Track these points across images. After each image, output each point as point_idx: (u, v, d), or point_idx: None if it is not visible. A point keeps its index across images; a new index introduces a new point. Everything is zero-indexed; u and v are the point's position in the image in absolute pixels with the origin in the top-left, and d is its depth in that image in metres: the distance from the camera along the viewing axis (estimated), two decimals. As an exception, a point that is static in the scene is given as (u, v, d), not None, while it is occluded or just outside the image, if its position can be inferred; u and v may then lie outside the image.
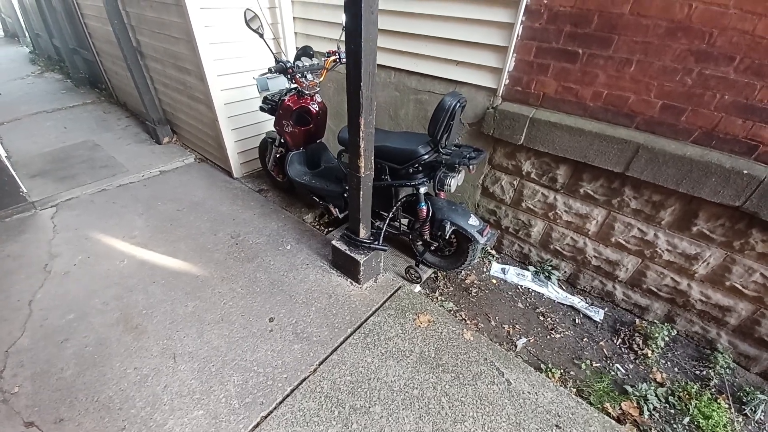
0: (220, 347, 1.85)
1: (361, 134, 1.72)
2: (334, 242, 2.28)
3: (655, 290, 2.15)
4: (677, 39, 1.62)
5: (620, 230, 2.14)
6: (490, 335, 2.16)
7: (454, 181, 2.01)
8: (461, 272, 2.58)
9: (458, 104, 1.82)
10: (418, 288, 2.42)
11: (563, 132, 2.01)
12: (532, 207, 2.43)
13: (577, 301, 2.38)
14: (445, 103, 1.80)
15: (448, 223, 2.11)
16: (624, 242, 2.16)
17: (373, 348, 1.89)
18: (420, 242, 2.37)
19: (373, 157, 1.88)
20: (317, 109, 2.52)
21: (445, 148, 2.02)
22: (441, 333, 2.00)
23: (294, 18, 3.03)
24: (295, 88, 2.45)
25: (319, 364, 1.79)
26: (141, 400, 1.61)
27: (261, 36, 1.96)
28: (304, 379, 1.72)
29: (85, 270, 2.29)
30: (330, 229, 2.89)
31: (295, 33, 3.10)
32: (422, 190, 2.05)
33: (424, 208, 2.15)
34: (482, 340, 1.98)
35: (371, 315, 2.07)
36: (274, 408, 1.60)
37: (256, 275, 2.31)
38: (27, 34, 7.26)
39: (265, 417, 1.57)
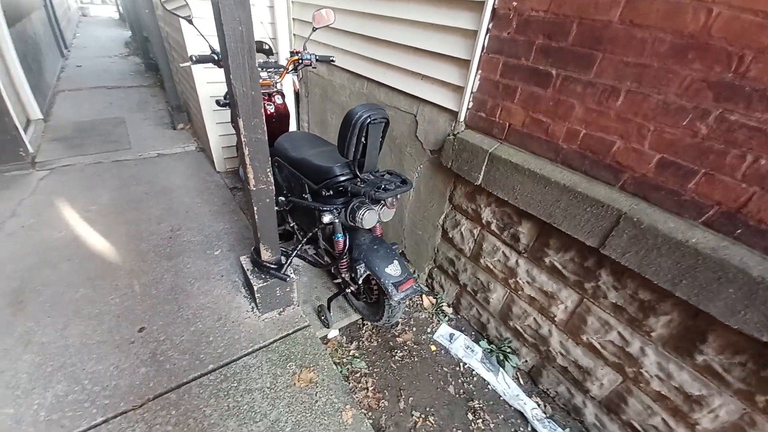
0: (71, 347, 1.67)
1: (242, 139, 1.43)
2: (241, 258, 2.00)
3: (642, 429, 1.46)
4: (687, 62, 1.05)
5: (594, 328, 1.51)
6: (385, 422, 1.66)
7: (369, 215, 1.60)
8: (395, 326, 2.10)
9: (373, 120, 1.43)
10: (333, 333, 2.01)
11: (525, 178, 1.49)
12: (491, 267, 1.88)
13: (530, 407, 1.74)
14: (352, 115, 1.42)
15: (363, 265, 1.69)
16: (599, 346, 1.51)
17: (222, 397, 1.54)
18: (340, 280, 1.97)
19: (268, 169, 1.58)
20: (272, 111, 2.30)
21: (367, 173, 1.63)
22: (316, 402, 1.57)
23: (293, 19, 2.91)
24: None
25: (150, 400, 1.50)
26: (-41, 385, 1.48)
27: (190, 22, 1.81)
28: (122, 413, 1.44)
29: (25, 234, 2.34)
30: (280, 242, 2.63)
31: (294, 35, 2.97)
32: (326, 219, 1.68)
33: (340, 240, 1.77)
34: (362, 429, 1.50)
35: (248, 354, 1.73)
36: (67, 440, 1.34)
37: (163, 276, 2.12)
38: (127, 21, 8.50)
39: (53, 448, 1.32)
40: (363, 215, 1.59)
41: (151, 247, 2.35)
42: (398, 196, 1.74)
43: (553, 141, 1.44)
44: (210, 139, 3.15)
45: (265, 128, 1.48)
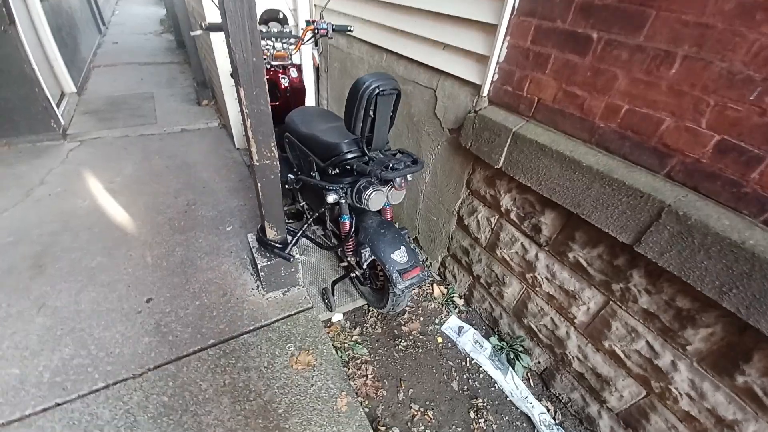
0: (82, 312, 1.71)
1: (244, 110, 1.35)
2: (249, 236, 1.96)
3: (663, 448, 1.30)
4: (757, 23, 0.83)
5: (620, 334, 1.34)
6: (381, 412, 1.59)
7: (376, 197, 1.49)
8: (401, 314, 2.02)
9: (382, 91, 1.30)
10: (337, 317, 1.95)
11: (553, 161, 1.31)
12: (508, 259, 1.73)
13: (538, 412, 1.62)
14: (359, 85, 1.29)
15: (368, 249, 1.60)
16: (622, 355, 1.35)
17: (219, 373, 1.53)
18: (346, 264, 1.89)
19: (272, 143, 1.49)
20: (287, 84, 2.21)
21: (376, 152, 1.51)
22: (311, 386, 1.53)
23: None
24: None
25: (150, 369, 1.51)
26: (-21, 341, 1.56)
27: None
28: (122, 380, 1.46)
29: (52, 201, 2.43)
30: (290, 221, 2.59)
31: (314, 5, 2.83)
32: (330, 198, 1.58)
33: (346, 222, 1.67)
34: (356, 417, 1.44)
35: (248, 332, 1.71)
36: (70, 401, 1.38)
37: (175, 249, 2.14)
38: (163, -1, 8.64)
39: (57, 406, 1.36)
40: (369, 196, 1.48)
41: (167, 220, 2.37)
42: (408, 177, 1.62)
43: (589, 118, 1.25)
44: (229, 114, 3.13)
45: (268, 99, 1.38)
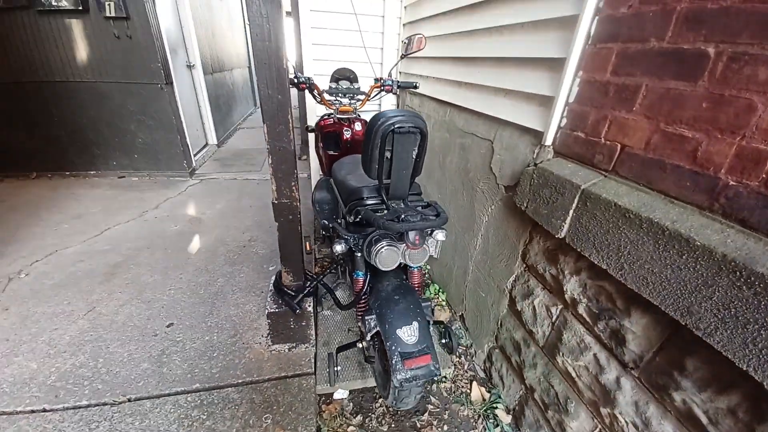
0: (114, 324, 1.80)
1: (266, 146, 1.33)
2: (273, 278, 1.86)
3: None
4: None
5: None
6: None
7: (387, 253, 1.22)
8: (416, 413, 1.53)
9: (399, 129, 1.10)
10: (341, 394, 1.60)
11: (643, 235, 0.85)
12: (574, 373, 1.16)
13: None
14: (374, 120, 1.12)
15: (374, 316, 1.30)
16: None
17: (184, 427, 1.33)
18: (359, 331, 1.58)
19: (293, 183, 1.42)
20: (348, 137, 2.23)
21: (399, 201, 1.27)
22: (271, 481, 1.19)
23: (403, 24, 2.85)
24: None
25: (129, 400, 1.42)
26: (35, 326, 1.75)
27: None
28: (101, 404, 1.40)
29: (153, 223, 2.87)
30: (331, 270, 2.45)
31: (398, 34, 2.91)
32: (337, 248, 1.35)
33: (359, 279, 1.43)
34: None
35: (235, 385, 1.51)
36: (52, 410, 1.36)
37: (217, 280, 2.19)
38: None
39: (42, 411, 1.35)
40: (379, 251, 1.22)
41: (226, 251, 2.51)
42: (439, 237, 1.32)
43: (707, 172, 0.78)
44: (311, 165, 3.37)
45: (293, 137, 1.34)
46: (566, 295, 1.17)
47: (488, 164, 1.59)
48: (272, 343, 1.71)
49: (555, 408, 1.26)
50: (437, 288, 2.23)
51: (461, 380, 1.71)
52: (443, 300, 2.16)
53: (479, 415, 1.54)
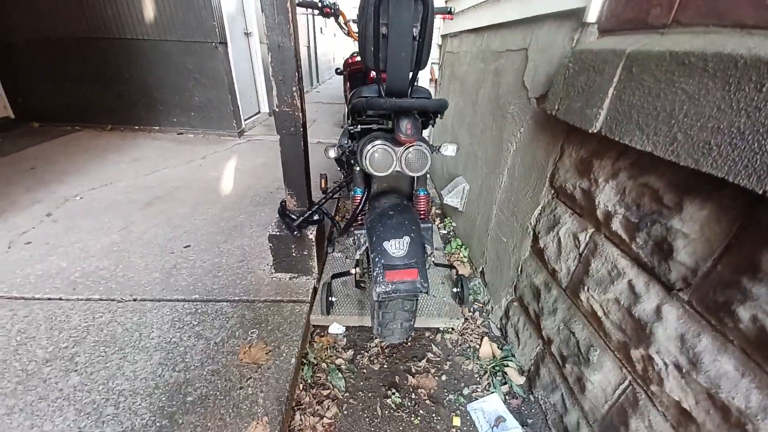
0: (140, 240, 1.90)
1: (266, 38, 1.25)
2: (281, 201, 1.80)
3: None
4: None
5: None
6: (311, 482, 1.00)
7: (379, 153, 1.07)
8: (413, 359, 1.37)
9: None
10: (337, 328, 1.50)
11: (707, 80, 0.59)
12: (600, 312, 0.91)
13: None
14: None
15: (363, 234, 1.17)
16: None
17: (176, 328, 1.34)
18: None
19: (294, 89, 1.35)
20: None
21: (392, 99, 1.10)
22: (239, 388, 1.13)
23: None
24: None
25: (134, 300, 1.47)
26: (75, 236, 1.92)
27: None
28: (110, 300, 1.46)
29: (195, 170, 3.04)
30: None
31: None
32: (330, 153, 1.23)
33: (357, 197, 1.30)
34: (257, 458, 0.94)
35: (230, 301, 1.49)
36: (66, 299, 1.45)
37: (239, 216, 2.23)
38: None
39: (58, 300, 1.45)
40: (370, 152, 1.07)
41: (253, 195, 2.55)
42: (437, 150, 1.14)
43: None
44: (346, 123, 3.30)
45: (293, 32, 1.24)
46: (598, 211, 0.91)
47: (521, 79, 1.34)
48: (275, 271, 1.66)
49: (574, 360, 1.00)
50: (459, 243, 2.01)
51: (471, 335, 1.49)
52: (465, 256, 1.94)
53: (486, 371, 1.32)
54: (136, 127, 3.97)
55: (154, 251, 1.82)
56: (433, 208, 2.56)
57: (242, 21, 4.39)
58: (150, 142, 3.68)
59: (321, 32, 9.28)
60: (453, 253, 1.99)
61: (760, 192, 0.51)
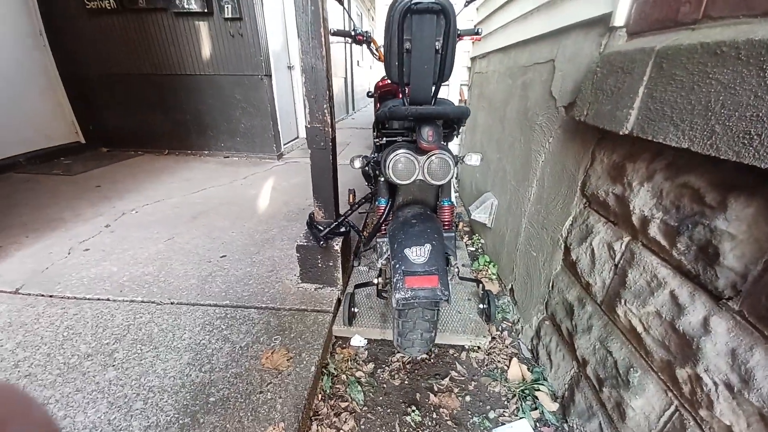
0: (182, 250, 2.04)
1: (300, 61, 1.35)
2: (310, 212, 1.86)
3: None
4: None
5: None
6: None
7: (402, 162, 1.09)
8: (436, 377, 1.30)
9: (414, 4, 0.97)
10: (359, 341, 1.48)
11: (741, 68, 0.56)
12: (639, 327, 0.82)
13: None
14: (394, 3, 1.02)
15: (385, 242, 1.18)
16: None
17: (207, 331, 1.40)
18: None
19: (325, 107, 1.43)
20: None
21: (420, 105, 1.13)
22: (259, 392, 1.14)
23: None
24: None
25: (172, 303, 1.56)
26: (127, 244, 2.10)
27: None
28: (150, 302, 1.56)
29: (238, 189, 3.25)
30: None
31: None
32: (356, 164, 1.27)
33: (381, 207, 1.32)
34: (271, 464, 0.92)
35: (257, 308, 1.53)
36: (113, 300, 1.57)
37: (272, 230, 2.33)
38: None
39: (107, 300, 1.58)
40: (393, 160, 1.10)
41: (287, 211, 2.67)
42: (462, 161, 1.15)
43: None
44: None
45: (325, 54, 1.34)
46: (634, 217, 0.85)
47: (548, 90, 1.33)
48: (301, 281, 1.70)
49: (612, 383, 0.91)
50: (487, 259, 1.94)
51: (499, 355, 1.41)
52: (493, 273, 1.86)
53: (514, 394, 1.22)
54: (189, 152, 4.35)
55: (193, 260, 1.94)
56: (461, 223, 2.51)
57: (286, 56, 4.78)
58: (200, 164, 4.01)
59: (358, 65, 9.81)
60: (481, 270, 1.92)
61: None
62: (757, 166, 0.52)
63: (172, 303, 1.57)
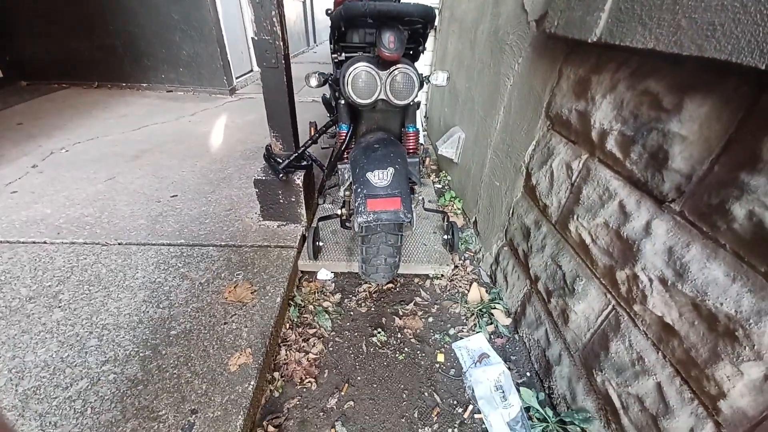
0: (126, 190, 1.86)
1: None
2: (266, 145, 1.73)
3: None
4: None
5: None
6: (288, 408, 1.01)
7: (363, 77, 1.00)
8: (401, 302, 1.36)
9: None
10: (325, 274, 1.48)
11: None
12: (588, 239, 0.87)
13: None
14: None
15: (347, 168, 1.11)
16: None
17: (161, 270, 1.33)
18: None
19: (273, 15, 1.23)
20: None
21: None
22: (224, 323, 1.12)
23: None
24: None
25: (119, 243, 1.45)
26: (60, 185, 1.88)
27: None
28: (95, 243, 1.45)
29: (185, 125, 2.94)
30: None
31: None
32: (312, 82, 1.16)
33: (342, 132, 1.23)
34: (237, 389, 0.94)
35: (217, 246, 1.47)
36: (50, 243, 1.44)
37: (228, 169, 2.17)
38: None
39: (43, 243, 1.44)
40: (352, 75, 1.00)
41: (243, 149, 2.48)
42: (427, 81, 1.06)
43: None
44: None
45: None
46: (593, 133, 0.85)
47: (520, 3, 1.23)
48: (262, 219, 1.63)
49: (559, 293, 0.98)
50: (453, 195, 1.97)
51: (460, 281, 1.48)
52: (458, 208, 1.89)
53: (472, 314, 1.32)
54: (124, 84, 3.82)
55: (139, 200, 1.79)
56: (428, 159, 2.49)
57: (230, -31, 4.10)
58: (138, 99, 3.56)
59: (318, -13, 8.74)
60: (446, 205, 1.95)
61: (763, 67, 0.44)
62: (717, 59, 0.51)
63: (120, 244, 1.46)
